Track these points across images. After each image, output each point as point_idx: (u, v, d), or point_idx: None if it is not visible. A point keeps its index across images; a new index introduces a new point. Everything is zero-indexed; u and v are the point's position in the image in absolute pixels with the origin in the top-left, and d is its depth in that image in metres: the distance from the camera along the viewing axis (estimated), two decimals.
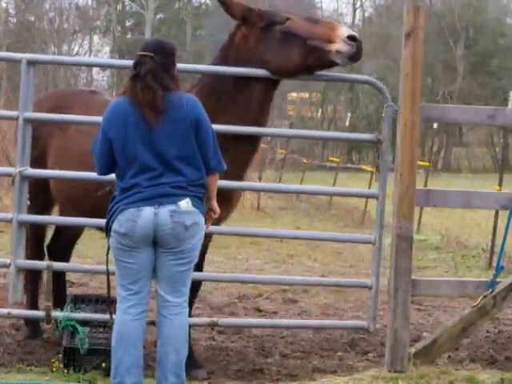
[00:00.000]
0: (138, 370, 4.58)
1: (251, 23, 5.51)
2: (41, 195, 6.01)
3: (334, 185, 20.04)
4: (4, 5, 46.29)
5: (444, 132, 46.05)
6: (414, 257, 5.51)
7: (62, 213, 6.30)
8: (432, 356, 5.46)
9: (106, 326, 5.54)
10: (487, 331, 7.20)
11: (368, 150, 41.53)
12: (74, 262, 7.39)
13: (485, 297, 5.45)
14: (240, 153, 5.63)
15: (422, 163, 16.44)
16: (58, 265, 5.96)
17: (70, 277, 8.36)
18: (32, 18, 46.24)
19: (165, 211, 4.49)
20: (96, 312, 5.72)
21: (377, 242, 5.72)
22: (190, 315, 5.64)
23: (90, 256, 9.81)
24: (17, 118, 5.56)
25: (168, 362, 4.59)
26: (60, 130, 6.02)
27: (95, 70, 45.14)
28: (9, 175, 5.69)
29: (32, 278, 6.35)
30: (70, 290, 7.56)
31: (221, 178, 5.15)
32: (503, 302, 5.51)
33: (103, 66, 23.32)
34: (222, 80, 5.56)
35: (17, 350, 6.00)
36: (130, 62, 5.01)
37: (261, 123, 5.66)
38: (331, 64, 5.44)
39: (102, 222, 4.78)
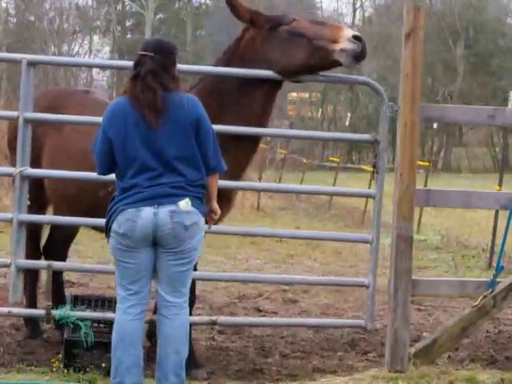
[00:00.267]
0: (138, 369, 4.59)
1: (259, 25, 5.59)
2: (36, 195, 6.00)
3: (334, 185, 20.05)
4: (4, 5, 46.30)
5: (444, 132, 46.04)
6: (414, 257, 5.51)
7: (56, 212, 6.29)
8: (432, 356, 5.46)
9: (107, 322, 5.54)
10: (487, 331, 7.20)
11: (368, 150, 41.51)
12: (75, 262, 7.40)
13: (485, 297, 5.45)
14: (240, 153, 5.66)
15: (422, 163, 16.44)
16: (58, 264, 5.97)
17: (70, 277, 8.36)
18: (32, 18, 46.21)
19: (164, 211, 4.49)
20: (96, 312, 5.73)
21: (374, 242, 5.73)
22: (190, 315, 5.67)
23: (90, 256, 9.81)
24: (17, 118, 5.56)
25: (168, 362, 4.59)
26: (55, 129, 6.02)
27: (95, 70, 45.15)
28: (9, 175, 5.69)
29: (30, 277, 6.35)
30: (70, 290, 7.57)
31: (220, 178, 5.16)
32: (503, 302, 5.52)
33: (103, 67, 23.40)
34: (226, 80, 5.60)
35: (17, 350, 6.01)
36: (129, 63, 5.02)
37: (263, 124, 5.69)
38: (335, 63, 5.47)
39: (103, 221, 4.79)
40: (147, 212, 4.49)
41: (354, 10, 51.74)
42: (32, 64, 5.58)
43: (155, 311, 5.92)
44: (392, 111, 5.53)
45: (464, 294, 5.77)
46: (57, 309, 5.64)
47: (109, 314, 5.50)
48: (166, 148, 4.52)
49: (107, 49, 51.09)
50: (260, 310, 7.83)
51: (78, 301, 5.81)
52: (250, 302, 8.19)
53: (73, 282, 8.37)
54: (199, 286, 8.55)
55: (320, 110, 48.17)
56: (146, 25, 48.52)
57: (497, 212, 10.97)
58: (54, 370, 5.43)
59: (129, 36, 52.73)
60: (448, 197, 5.66)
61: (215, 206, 4.82)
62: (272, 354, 6.32)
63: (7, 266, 5.61)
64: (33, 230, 6.27)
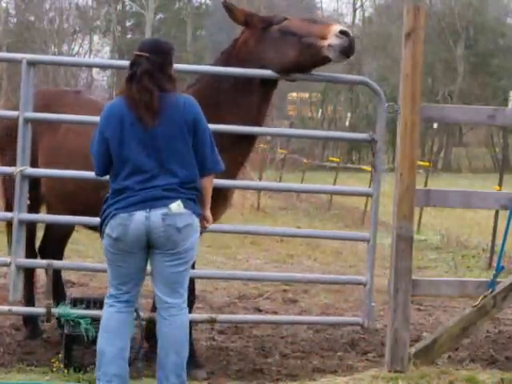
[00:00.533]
0: (122, 361, 4.58)
1: (252, 26, 5.70)
2: (30, 194, 5.97)
3: (334, 185, 20.05)
4: (4, 5, 46.27)
5: (444, 132, 46.01)
6: (414, 257, 5.51)
7: (51, 212, 6.28)
8: (432, 356, 5.46)
9: None
10: (487, 331, 7.21)
11: (368, 150, 41.47)
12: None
13: (485, 297, 5.45)
14: (236, 152, 5.72)
15: (422, 163, 16.44)
16: (58, 263, 5.98)
17: (70, 277, 8.37)
18: (32, 18, 46.20)
19: (156, 214, 4.48)
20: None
21: (371, 240, 5.74)
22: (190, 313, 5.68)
23: (91, 256, 9.81)
24: (17, 118, 5.56)
25: (168, 363, 4.59)
26: (50, 129, 6.03)
27: (95, 70, 45.12)
28: (9, 175, 5.69)
29: (26, 277, 6.35)
30: (71, 290, 7.58)
31: (217, 177, 5.19)
32: (503, 302, 5.52)
33: (103, 67, 23.37)
34: (222, 80, 5.66)
35: (17, 350, 6.01)
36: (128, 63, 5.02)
37: (259, 123, 5.75)
38: (324, 59, 5.51)
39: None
40: (139, 216, 4.48)
41: (354, 10, 51.74)
42: (32, 64, 5.59)
43: (153, 309, 5.97)
44: (392, 111, 5.53)
45: (464, 294, 5.76)
46: (57, 307, 5.65)
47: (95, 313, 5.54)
48: (161, 149, 4.51)
49: (107, 49, 51.12)
50: (260, 310, 7.83)
51: (77, 302, 5.85)
52: (250, 302, 8.19)
53: (73, 282, 8.38)
54: (199, 286, 8.56)
55: (320, 110, 48.16)
56: (146, 25, 48.51)
57: (497, 212, 10.97)
58: (54, 369, 5.43)
59: (129, 36, 52.73)
60: (448, 197, 5.67)
61: (208, 213, 4.79)
62: (272, 353, 6.32)
63: (7, 265, 5.62)
64: (27, 230, 6.28)
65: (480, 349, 6.61)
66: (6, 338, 6.33)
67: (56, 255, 6.48)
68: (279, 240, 12.66)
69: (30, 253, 6.31)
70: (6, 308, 5.79)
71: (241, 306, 7.99)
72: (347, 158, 41.08)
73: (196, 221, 4.62)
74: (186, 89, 5.88)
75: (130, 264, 4.57)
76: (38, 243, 6.65)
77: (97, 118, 4.83)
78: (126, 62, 5.79)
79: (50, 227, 6.59)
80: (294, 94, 48.03)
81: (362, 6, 52.10)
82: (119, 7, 51.83)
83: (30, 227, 6.30)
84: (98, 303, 5.84)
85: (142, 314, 5.42)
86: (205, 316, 5.94)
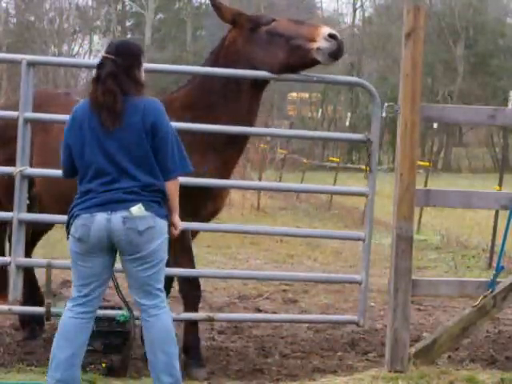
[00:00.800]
0: (70, 367, 4.55)
1: (240, 25, 5.71)
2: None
3: (334, 185, 20.05)
4: (4, 5, 46.27)
5: (444, 132, 46.01)
6: (413, 257, 5.51)
7: (44, 212, 6.27)
8: (432, 356, 5.45)
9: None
10: (487, 331, 7.20)
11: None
12: None
13: (485, 297, 5.45)
14: (228, 152, 5.76)
15: (422, 163, 16.44)
16: (58, 263, 5.98)
17: (70, 277, 8.35)
18: (32, 18, 46.18)
19: (117, 217, 4.46)
20: None
21: (367, 239, 5.77)
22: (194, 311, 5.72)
23: None
24: (17, 119, 5.57)
25: (158, 364, 4.56)
26: (42, 130, 6.03)
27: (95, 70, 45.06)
28: (9, 175, 5.70)
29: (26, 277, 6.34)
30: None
31: (208, 176, 5.21)
32: (503, 302, 5.51)
33: None
34: (213, 81, 5.71)
35: (17, 350, 6.01)
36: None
37: (250, 123, 5.79)
38: (313, 62, 5.55)
39: None
40: (100, 218, 4.47)
41: (354, 10, 51.72)
42: (32, 64, 5.60)
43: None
44: (392, 111, 5.53)
45: (464, 294, 5.76)
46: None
47: (107, 311, 5.54)
48: (121, 153, 4.48)
49: None
50: (260, 310, 7.83)
51: None
52: (250, 302, 8.20)
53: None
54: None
55: (320, 110, 48.16)
56: (145, 25, 48.51)
57: (497, 212, 10.97)
58: None
59: (129, 36, 52.68)
60: (448, 197, 5.66)
61: (176, 219, 4.72)
62: (272, 354, 6.32)
63: (7, 264, 5.65)
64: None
65: (480, 349, 6.61)
66: (5, 338, 6.34)
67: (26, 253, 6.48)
68: (279, 240, 12.67)
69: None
70: (5, 307, 5.81)
71: (241, 306, 7.99)
72: (347, 158, 41.09)
73: (161, 223, 4.55)
74: (178, 89, 5.93)
75: (93, 265, 4.55)
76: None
77: None
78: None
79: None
80: (294, 94, 48.06)
81: (362, 6, 52.09)
82: (119, 7, 51.82)
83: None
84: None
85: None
86: (203, 315, 5.96)
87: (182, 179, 5.50)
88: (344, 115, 47.29)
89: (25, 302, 6.28)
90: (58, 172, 5.69)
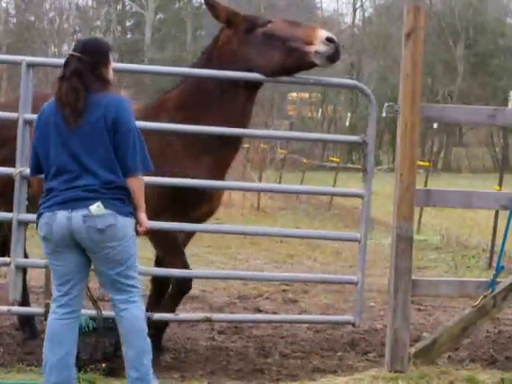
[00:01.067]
0: (63, 369, 4.57)
1: (235, 26, 5.70)
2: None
3: (334, 185, 20.06)
4: (4, 5, 46.30)
5: (444, 132, 46.01)
6: (414, 257, 5.51)
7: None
8: (432, 356, 5.45)
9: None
10: (487, 331, 7.20)
11: None
12: None
13: (485, 297, 5.45)
14: (222, 154, 5.76)
15: (422, 163, 16.42)
16: None
17: None
18: (32, 18, 46.20)
19: (77, 216, 4.46)
20: None
21: (362, 240, 5.80)
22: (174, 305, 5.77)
23: None
24: (17, 120, 5.57)
25: (127, 359, 4.58)
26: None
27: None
28: (9, 175, 5.70)
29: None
30: None
31: (202, 178, 5.21)
32: (503, 302, 5.51)
33: None
34: (206, 81, 5.71)
35: (17, 350, 6.01)
36: (127, 65, 5.03)
37: (244, 124, 5.79)
38: (310, 65, 5.58)
39: None
40: (61, 216, 4.48)
41: (354, 10, 51.70)
42: (31, 65, 5.62)
43: (147, 309, 6.00)
44: (392, 111, 5.54)
45: (464, 294, 5.76)
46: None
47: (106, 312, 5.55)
48: (82, 150, 4.49)
49: None
50: (260, 310, 7.83)
51: None
52: (250, 302, 8.19)
53: None
54: (199, 286, 8.57)
55: (320, 110, 48.16)
56: (146, 25, 48.52)
57: (497, 212, 10.96)
58: None
59: (129, 36, 52.72)
60: (448, 197, 5.66)
61: (142, 217, 4.67)
62: (272, 354, 6.32)
63: (7, 264, 5.65)
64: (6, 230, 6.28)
65: (480, 349, 6.60)
66: (5, 338, 6.33)
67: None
68: (279, 240, 12.66)
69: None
70: (5, 308, 5.82)
71: (241, 306, 7.98)
72: (347, 158, 41.06)
73: (123, 221, 4.52)
74: (171, 89, 5.93)
75: (65, 263, 4.56)
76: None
77: None
78: (122, 65, 5.83)
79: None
80: (294, 94, 48.05)
81: (361, 6, 52.08)
82: (119, 7, 51.81)
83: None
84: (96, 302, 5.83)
85: None
86: (200, 315, 5.97)
87: (179, 181, 5.53)
88: (344, 115, 47.30)
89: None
90: None
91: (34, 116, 5.63)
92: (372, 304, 8.19)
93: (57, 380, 4.56)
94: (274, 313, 7.75)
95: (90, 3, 50.96)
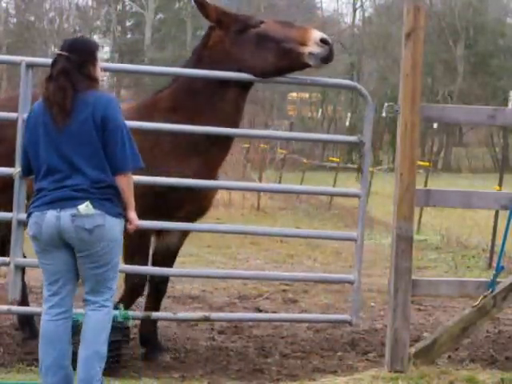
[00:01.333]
0: (59, 369, 4.57)
1: (226, 26, 5.68)
2: (9, 193, 5.93)
3: (334, 185, 20.06)
4: (4, 5, 46.28)
5: (444, 132, 46.00)
6: (413, 257, 5.51)
7: None
8: (432, 356, 5.45)
9: None
10: (487, 331, 7.20)
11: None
12: None
13: (485, 297, 5.45)
14: (213, 154, 5.76)
15: (422, 163, 16.42)
16: None
17: None
18: (32, 18, 46.21)
19: (66, 215, 4.46)
20: None
21: (359, 239, 5.83)
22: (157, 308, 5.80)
23: None
24: (16, 119, 5.57)
25: (80, 358, 4.54)
26: None
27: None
28: (9, 175, 5.70)
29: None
30: None
31: (191, 177, 5.21)
32: (503, 302, 5.51)
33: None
34: (198, 80, 5.70)
35: (17, 350, 6.01)
36: (127, 65, 5.03)
37: (235, 123, 5.79)
38: (304, 66, 5.60)
39: None
40: (50, 215, 4.48)
41: (354, 10, 51.68)
42: (31, 66, 5.63)
43: (146, 308, 6.00)
44: (392, 111, 5.54)
45: (464, 294, 5.76)
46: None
47: None
48: (71, 149, 4.48)
49: (107, 49, 51.11)
50: (260, 310, 7.82)
51: None
52: (250, 302, 8.19)
53: None
54: (200, 285, 8.58)
55: (320, 110, 48.16)
56: (146, 25, 48.51)
57: (497, 212, 10.96)
58: None
59: (129, 36, 52.72)
60: (448, 197, 5.66)
61: (131, 215, 4.66)
62: (272, 354, 6.32)
63: (7, 264, 5.66)
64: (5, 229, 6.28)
65: (480, 349, 6.60)
66: (5, 338, 6.33)
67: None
68: (279, 240, 12.66)
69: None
70: (5, 307, 5.84)
71: (241, 306, 7.98)
72: (347, 158, 41.06)
73: (112, 222, 4.52)
74: (163, 89, 5.93)
75: (54, 262, 4.56)
76: None
77: None
78: (123, 65, 5.84)
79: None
80: (294, 94, 48.03)
81: (361, 6, 52.06)
82: (119, 7, 51.80)
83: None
84: None
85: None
86: (199, 314, 5.98)
87: (175, 180, 5.53)
88: (344, 115, 47.31)
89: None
90: None
91: None
92: (372, 304, 8.19)
93: (52, 381, 4.56)
94: (274, 312, 7.75)
95: (89, 3, 50.97)
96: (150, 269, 5.96)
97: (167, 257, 6.06)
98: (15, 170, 5.53)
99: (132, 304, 5.94)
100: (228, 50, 5.66)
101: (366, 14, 53.13)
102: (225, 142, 5.85)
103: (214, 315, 6.08)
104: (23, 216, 5.58)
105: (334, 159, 27.23)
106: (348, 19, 54.03)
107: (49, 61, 4.99)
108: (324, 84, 6.14)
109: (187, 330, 6.84)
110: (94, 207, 4.46)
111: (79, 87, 4.50)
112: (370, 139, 5.75)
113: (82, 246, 4.49)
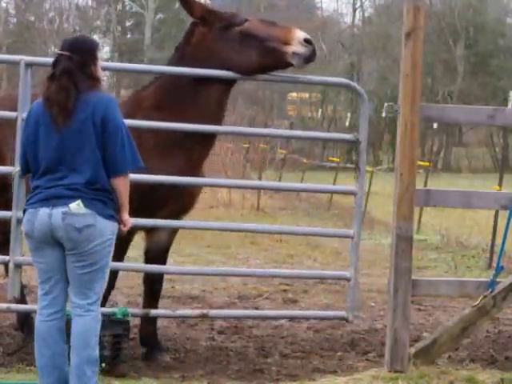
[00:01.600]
0: (53, 370, 4.57)
1: (210, 23, 5.69)
2: (4, 193, 5.94)
3: (333, 184, 20.02)
4: (4, 5, 46.26)
5: (444, 132, 45.99)
6: (413, 257, 5.51)
7: None
8: (432, 356, 5.45)
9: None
10: (487, 331, 7.20)
11: (368, 151, 41.38)
12: None
13: (485, 297, 5.45)
14: (196, 150, 5.78)
15: (421, 163, 16.42)
16: None
17: None
18: (32, 18, 46.19)
19: (57, 213, 4.46)
20: None
21: (355, 237, 5.84)
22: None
23: None
24: (16, 119, 5.57)
25: (72, 365, 4.53)
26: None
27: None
28: (8, 175, 5.71)
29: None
30: None
31: (173, 174, 5.20)
32: (503, 302, 5.51)
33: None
34: (181, 77, 5.71)
35: (17, 350, 6.00)
36: (125, 65, 5.04)
37: (219, 120, 5.82)
38: (287, 65, 5.65)
39: None
40: (42, 213, 4.49)
41: (354, 10, 51.68)
42: (30, 65, 5.63)
43: (145, 305, 6.00)
44: (392, 111, 5.54)
45: (464, 294, 5.76)
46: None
47: (104, 309, 5.57)
48: (70, 149, 4.49)
49: (107, 49, 51.11)
50: (260, 310, 7.81)
51: None
52: (250, 302, 8.18)
53: None
54: (199, 286, 8.58)
55: (320, 110, 48.15)
56: (145, 25, 48.49)
57: (497, 212, 10.96)
58: None
59: (129, 36, 52.71)
60: (448, 197, 5.66)
61: (125, 216, 4.66)
62: (272, 354, 6.32)
63: (6, 262, 5.69)
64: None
65: (480, 349, 6.60)
66: (5, 338, 6.33)
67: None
68: (279, 240, 12.66)
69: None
70: (4, 306, 5.84)
71: (240, 306, 7.98)
72: (347, 158, 41.05)
73: (103, 223, 4.50)
74: (147, 86, 5.92)
75: (47, 260, 4.56)
76: None
77: None
78: (121, 64, 5.86)
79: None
80: (294, 94, 48.01)
81: (361, 6, 52.07)
82: (119, 7, 51.77)
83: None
84: None
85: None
86: (197, 311, 6.01)
87: (162, 178, 5.54)
88: (344, 115, 47.31)
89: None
90: None
91: None
92: (372, 304, 8.19)
93: (48, 381, 4.56)
94: None
95: (89, 3, 50.94)
96: (149, 267, 5.97)
97: (158, 254, 6.07)
98: (14, 169, 5.54)
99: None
100: (211, 48, 5.67)
101: (366, 14, 53.18)
102: (208, 140, 5.86)
103: (212, 312, 6.10)
104: (22, 215, 5.61)
105: (334, 159, 27.23)
106: (348, 19, 54.10)
107: (48, 60, 5.00)
108: (318, 82, 6.19)
109: (187, 330, 6.84)
110: (86, 206, 4.46)
111: (82, 87, 4.50)
112: (365, 137, 5.77)
113: (71, 245, 4.49)
